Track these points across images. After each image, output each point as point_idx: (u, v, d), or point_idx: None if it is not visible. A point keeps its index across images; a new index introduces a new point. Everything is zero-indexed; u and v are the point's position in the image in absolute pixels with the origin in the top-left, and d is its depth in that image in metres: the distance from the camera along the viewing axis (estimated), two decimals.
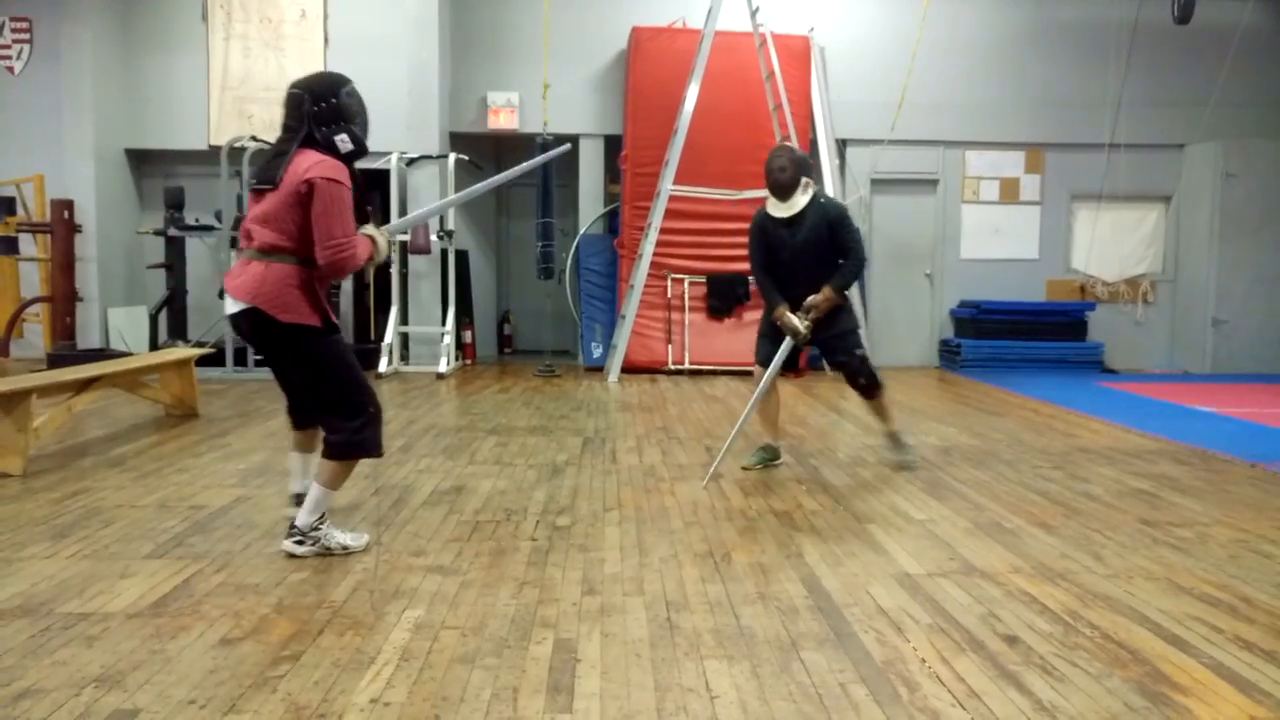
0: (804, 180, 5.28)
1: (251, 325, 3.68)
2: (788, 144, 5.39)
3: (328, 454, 3.76)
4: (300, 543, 3.78)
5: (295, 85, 3.73)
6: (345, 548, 3.82)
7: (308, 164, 3.57)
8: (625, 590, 3.43)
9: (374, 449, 3.80)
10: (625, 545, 3.99)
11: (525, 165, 5.16)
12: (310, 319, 3.63)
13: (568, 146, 5.45)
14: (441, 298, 10.54)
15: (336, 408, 3.73)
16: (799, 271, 5.30)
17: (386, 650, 2.86)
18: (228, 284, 3.72)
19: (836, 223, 5.28)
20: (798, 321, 5.26)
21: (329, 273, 3.64)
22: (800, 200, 5.26)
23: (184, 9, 10.78)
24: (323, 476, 3.79)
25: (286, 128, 3.69)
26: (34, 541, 3.91)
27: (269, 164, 3.68)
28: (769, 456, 5.60)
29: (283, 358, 3.79)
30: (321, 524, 3.81)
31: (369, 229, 3.82)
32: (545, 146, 9.96)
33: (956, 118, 11.45)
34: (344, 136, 3.66)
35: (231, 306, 3.70)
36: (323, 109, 3.64)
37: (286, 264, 3.61)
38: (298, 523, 3.80)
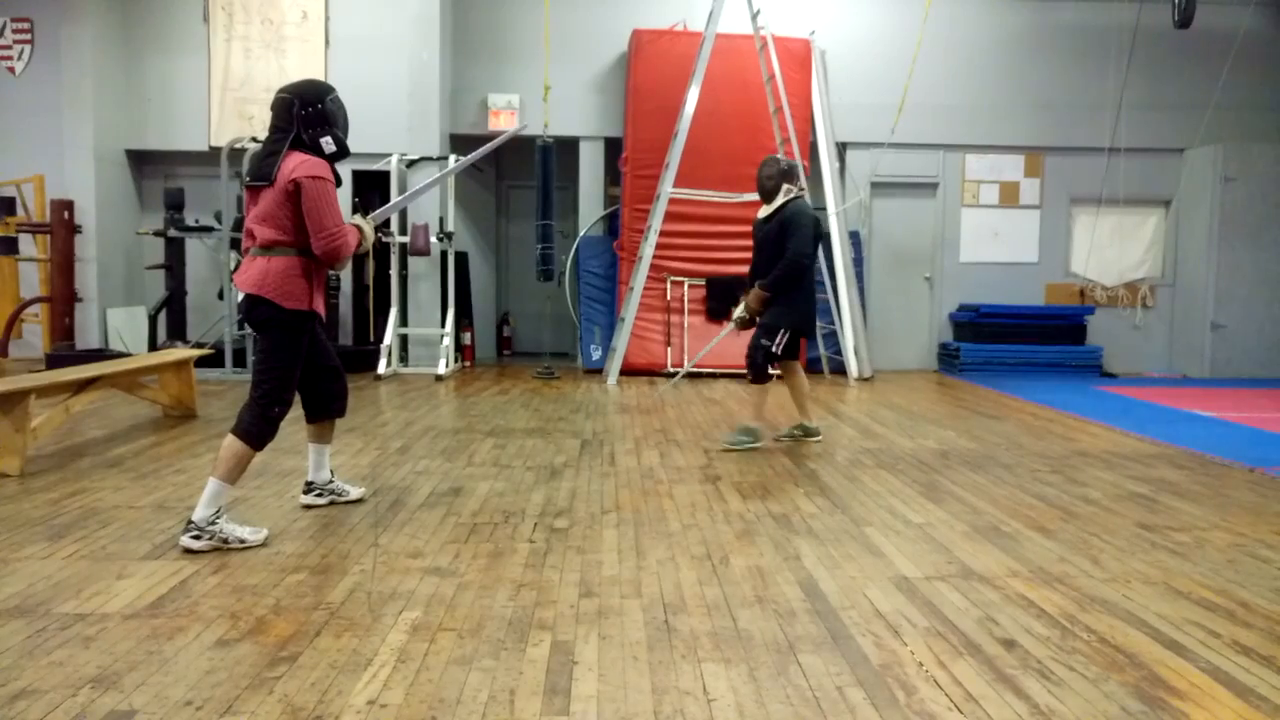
0: (785, 187, 6.14)
1: (250, 309, 3.99)
2: (776, 156, 6.35)
3: (235, 429, 3.94)
4: (196, 537, 3.80)
5: (285, 90, 4.08)
6: (243, 541, 3.86)
7: (294, 164, 3.92)
8: (623, 592, 3.43)
9: (255, 441, 3.95)
10: (623, 547, 3.99)
11: (480, 151, 5.47)
12: (307, 305, 4.00)
13: (525, 125, 5.98)
14: (441, 299, 10.55)
15: (257, 391, 3.97)
16: (760, 264, 6.21)
17: (383, 652, 2.86)
18: (237, 279, 4.08)
19: (784, 223, 6.02)
20: (737, 309, 6.27)
21: (326, 259, 3.98)
22: (779, 202, 6.12)
23: (185, 10, 10.80)
24: (220, 469, 3.88)
25: (276, 129, 4.04)
26: (31, 542, 3.91)
27: (262, 162, 4.00)
28: (752, 439, 6.22)
29: (265, 339, 4.01)
30: (218, 518, 3.86)
31: (355, 219, 4.25)
32: (545, 148, 10.01)
33: (956, 121, 11.47)
34: (328, 139, 4.05)
35: (240, 295, 4.07)
36: (310, 113, 4.01)
37: (288, 256, 3.97)
38: (194, 517, 3.84)
